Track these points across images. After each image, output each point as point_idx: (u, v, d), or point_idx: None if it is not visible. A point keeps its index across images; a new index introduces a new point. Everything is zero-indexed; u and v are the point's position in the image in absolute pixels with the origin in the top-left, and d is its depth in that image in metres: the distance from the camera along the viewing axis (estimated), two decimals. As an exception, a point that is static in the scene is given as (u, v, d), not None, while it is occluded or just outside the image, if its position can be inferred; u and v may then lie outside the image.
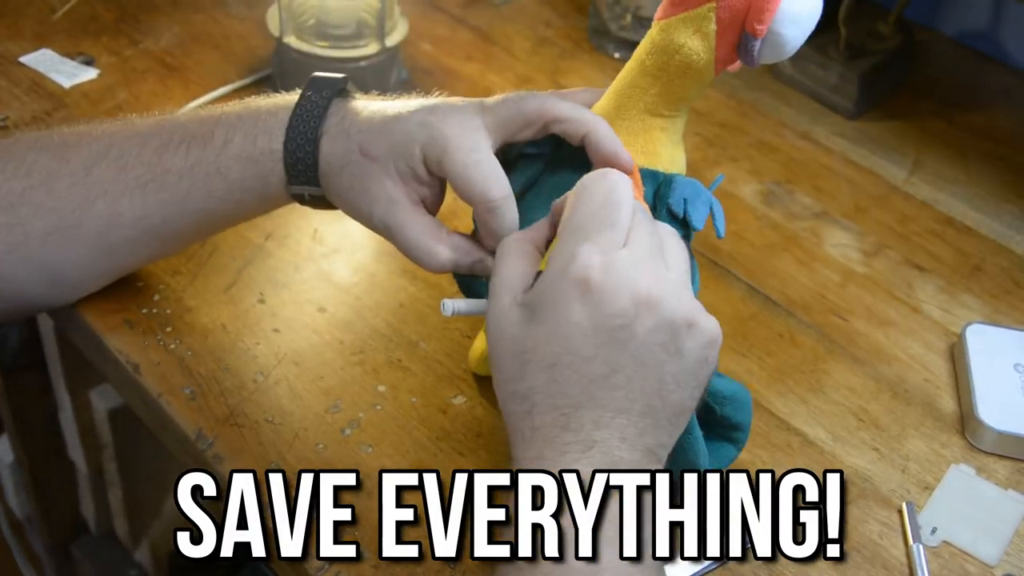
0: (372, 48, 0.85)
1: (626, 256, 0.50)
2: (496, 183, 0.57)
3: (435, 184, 0.60)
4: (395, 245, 0.61)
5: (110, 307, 0.69)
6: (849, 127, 0.95)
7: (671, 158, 0.61)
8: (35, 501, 1.26)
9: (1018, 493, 0.66)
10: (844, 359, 0.73)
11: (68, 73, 0.88)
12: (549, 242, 0.55)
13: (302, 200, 0.64)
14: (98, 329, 0.68)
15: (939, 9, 1.09)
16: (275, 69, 0.88)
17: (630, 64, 0.60)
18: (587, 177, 0.53)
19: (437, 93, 0.63)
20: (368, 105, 0.62)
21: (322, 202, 0.63)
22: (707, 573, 0.59)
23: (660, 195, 0.60)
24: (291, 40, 0.84)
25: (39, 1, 0.96)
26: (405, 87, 0.91)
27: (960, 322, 0.76)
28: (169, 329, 0.69)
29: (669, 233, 0.54)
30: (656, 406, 0.50)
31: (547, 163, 0.62)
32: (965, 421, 0.70)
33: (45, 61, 0.90)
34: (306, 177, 0.62)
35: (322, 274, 0.74)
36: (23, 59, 0.90)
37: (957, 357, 0.73)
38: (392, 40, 0.86)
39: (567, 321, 0.49)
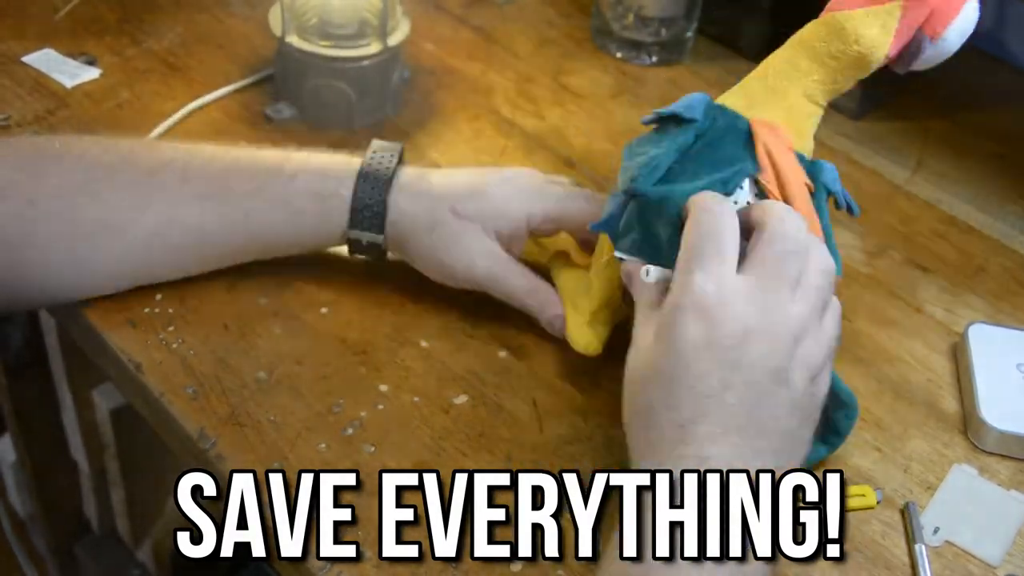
0: (374, 47, 0.85)
1: (741, 284, 0.53)
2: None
3: (523, 239, 0.70)
4: (498, 293, 0.69)
5: (113, 306, 0.69)
6: (852, 127, 0.95)
7: (810, 149, 0.63)
8: (37, 501, 1.26)
9: (1021, 493, 0.65)
10: (847, 359, 0.73)
11: (70, 73, 0.89)
12: None
13: (356, 245, 0.69)
14: (100, 328, 0.68)
15: (942, 9, 1.08)
16: (277, 69, 0.88)
17: (789, 48, 0.63)
18: (691, 207, 0.56)
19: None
20: (437, 171, 0.71)
21: (372, 249, 0.69)
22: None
23: (814, 178, 0.62)
24: (293, 39, 0.84)
25: (42, 1, 0.96)
26: (407, 87, 0.91)
27: (963, 322, 0.76)
28: (171, 328, 0.69)
29: (817, 258, 0.56)
30: (770, 430, 0.52)
31: (698, 133, 0.62)
32: (968, 421, 0.69)
33: (47, 61, 0.90)
34: (370, 224, 0.67)
35: (324, 273, 0.74)
36: (25, 59, 0.90)
37: (960, 357, 0.73)
38: (394, 39, 0.86)
39: (683, 338, 0.52)
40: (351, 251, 0.70)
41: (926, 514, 0.64)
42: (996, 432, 0.67)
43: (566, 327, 0.68)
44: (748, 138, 0.61)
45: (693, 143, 0.61)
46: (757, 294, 0.53)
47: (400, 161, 0.70)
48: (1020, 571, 0.61)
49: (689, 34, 1.01)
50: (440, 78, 0.94)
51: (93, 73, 0.89)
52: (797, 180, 0.61)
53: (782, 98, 0.62)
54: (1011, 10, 1.04)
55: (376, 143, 0.70)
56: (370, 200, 0.67)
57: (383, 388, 0.67)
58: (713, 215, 0.55)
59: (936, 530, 0.63)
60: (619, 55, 1.00)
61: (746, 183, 0.60)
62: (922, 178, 0.90)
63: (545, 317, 0.68)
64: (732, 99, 0.63)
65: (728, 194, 0.59)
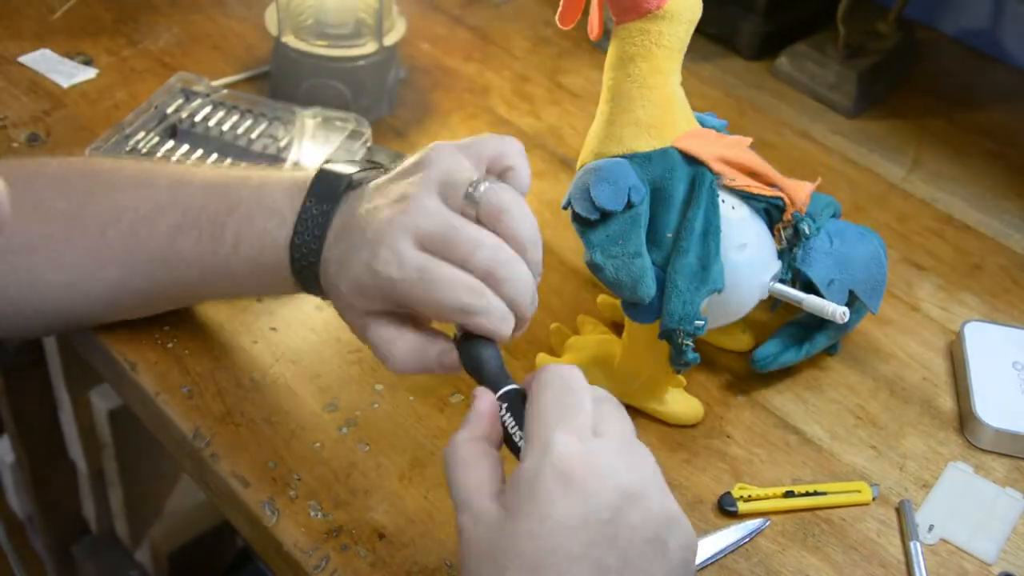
0: (370, 47, 0.85)
1: (604, 446, 0.47)
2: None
3: None
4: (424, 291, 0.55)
5: (107, 306, 0.69)
6: (848, 125, 0.95)
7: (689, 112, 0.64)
8: (36, 501, 1.26)
9: (1015, 491, 0.65)
10: (842, 357, 0.73)
11: (67, 73, 0.89)
12: (501, 436, 0.50)
13: (306, 214, 0.59)
14: (96, 328, 0.68)
15: (939, 7, 1.09)
16: (273, 68, 0.88)
17: (616, 71, 0.61)
18: (540, 371, 0.49)
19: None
20: (353, 214, 0.57)
21: (319, 225, 0.59)
22: (705, 567, 0.60)
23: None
24: (289, 39, 0.84)
25: (38, 1, 0.96)
26: (403, 86, 0.91)
27: (959, 320, 0.76)
28: (167, 328, 0.69)
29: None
30: None
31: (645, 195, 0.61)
32: (963, 419, 0.69)
33: (44, 61, 0.90)
34: (316, 288, 0.60)
35: (319, 273, 0.74)
36: (22, 59, 0.90)
37: (955, 355, 0.73)
38: (390, 39, 0.86)
39: (552, 517, 0.44)
40: (295, 249, 0.59)
41: (921, 512, 0.64)
42: (991, 430, 0.67)
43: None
44: (687, 160, 0.61)
45: (649, 204, 0.61)
46: (624, 447, 0.47)
47: (348, 189, 0.59)
48: (1015, 568, 0.61)
49: (685, 33, 1.01)
50: (436, 78, 0.94)
51: (89, 73, 0.89)
52: (749, 157, 0.63)
53: (663, 103, 0.61)
54: (1007, 9, 1.04)
55: (323, 169, 0.60)
56: (308, 265, 0.58)
57: (378, 387, 0.67)
58: (564, 380, 0.48)
59: (931, 528, 0.63)
60: (615, 54, 1.00)
61: (721, 193, 0.61)
62: (918, 176, 0.90)
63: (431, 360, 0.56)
64: (636, 139, 0.61)
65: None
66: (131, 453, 1.16)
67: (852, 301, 0.67)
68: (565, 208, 0.61)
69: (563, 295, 0.74)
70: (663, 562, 0.45)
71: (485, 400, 0.50)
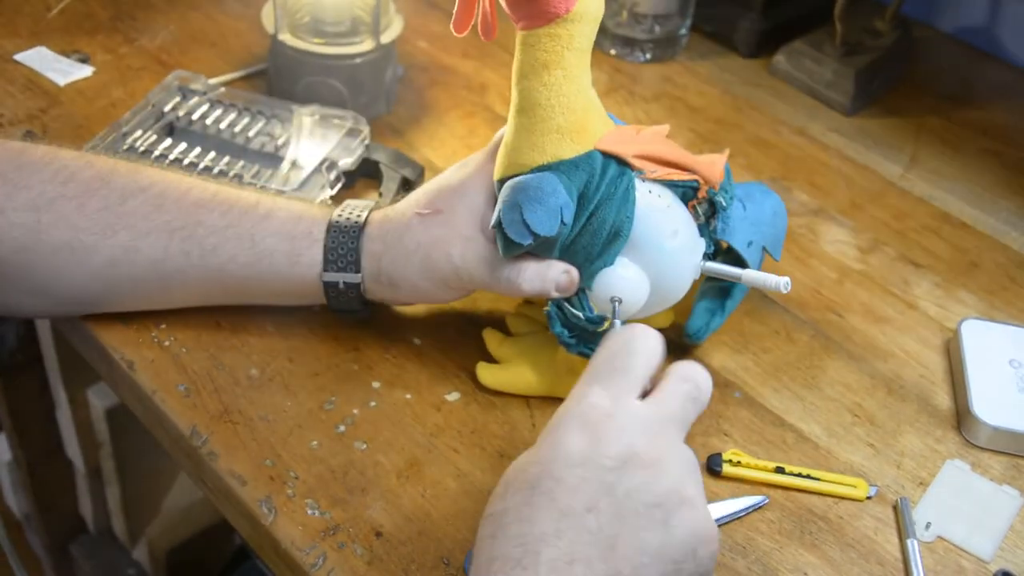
0: (367, 45, 0.85)
1: (637, 411, 0.50)
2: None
3: None
4: (476, 284, 0.63)
5: (104, 304, 0.69)
6: (845, 123, 0.95)
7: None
8: (33, 500, 1.26)
9: (1013, 488, 0.66)
10: (840, 355, 0.73)
11: (63, 71, 0.88)
12: None
13: (333, 289, 0.65)
14: (93, 326, 0.68)
15: (936, 5, 1.09)
16: (271, 66, 0.88)
17: (532, 80, 0.59)
18: (616, 332, 0.54)
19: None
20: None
21: (351, 294, 0.66)
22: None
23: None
24: (286, 37, 0.84)
25: (35, -1, 0.97)
26: (400, 84, 0.91)
27: (956, 318, 0.76)
28: (164, 326, 0.69)
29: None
30: (624, 573, 0.46)
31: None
32: (960, 417, 0.69)
33: (40, 59, 0.90)
34: (345, 262, 0.65)
35: (317, 271, 0.74)
36: (18, 56, 0.90)
37: (952, 353, 0.73)
38: (387, 37, 0.86)
39: (558, 445, 0.48)
40: (329, 303, 0.67)
41: (918, 509, 0.64)
42: (988, 428, 0.67)
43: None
44: (611, 160, 0.61)
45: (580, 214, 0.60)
46: (656, 424, 0.50)
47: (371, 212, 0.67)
48: (1012, 566, 0.61)
49: (683, 31, 1.01)
50: (434, 75, 0.94)
51: (86, 71, 0.89)
52: (669, 149, 0.63)
53: (582, 108, 0.59)
54: (1005, 7, 1.04)
55: (349, 201, 0.67)
56: (344, 237, 0.64)
57: (376, 385, 0.67)
58: (630, 338, 0.52)
59: (928, 525, 0.63)
60: (613, 52, 1.00)
61: (643, 186, 0.62)
62: (915, 174, 0.90)
63: (549, 280, 0.61)
64: (560, 147, 0.59)
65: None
66: (128, 451, 1.16)
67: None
68: (494, 227, 0.59)
69: (486, 297, 0.73)
70: (661, 532, 0.47)
71: None
